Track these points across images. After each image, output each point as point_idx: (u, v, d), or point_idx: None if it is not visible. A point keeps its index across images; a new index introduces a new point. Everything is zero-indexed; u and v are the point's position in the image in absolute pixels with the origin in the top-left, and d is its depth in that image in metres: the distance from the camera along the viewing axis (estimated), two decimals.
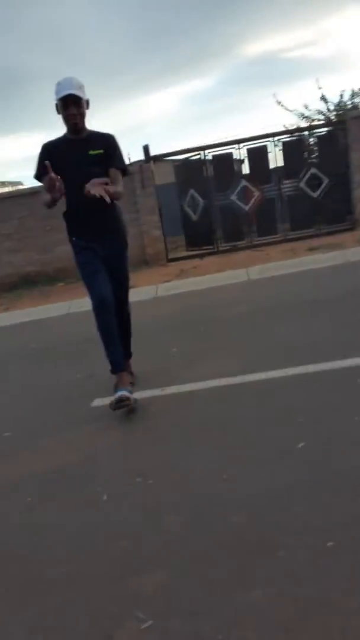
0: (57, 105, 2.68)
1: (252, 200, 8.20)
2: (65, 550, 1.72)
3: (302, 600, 1.32)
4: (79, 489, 2.10)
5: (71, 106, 2.64)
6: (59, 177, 2.48)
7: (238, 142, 8.09)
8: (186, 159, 8.54)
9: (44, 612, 1.46)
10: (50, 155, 2.67)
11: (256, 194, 8.18)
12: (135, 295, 6.45)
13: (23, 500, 2.09)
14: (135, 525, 1.78)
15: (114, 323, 2.79)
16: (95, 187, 2.52)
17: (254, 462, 2.03)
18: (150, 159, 8.26)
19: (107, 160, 2.75)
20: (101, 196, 2.50)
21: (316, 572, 1.40)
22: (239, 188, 8.21)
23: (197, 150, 8.25)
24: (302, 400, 2.49)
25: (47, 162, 2.51)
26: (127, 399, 2.63)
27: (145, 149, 8.25)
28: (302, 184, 8.10)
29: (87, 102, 2.70)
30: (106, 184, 2.58)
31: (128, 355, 3.10)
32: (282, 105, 11.41)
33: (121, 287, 2.95)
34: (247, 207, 8.25)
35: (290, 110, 11.33)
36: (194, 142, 8.66)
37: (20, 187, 14.03)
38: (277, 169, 8.28)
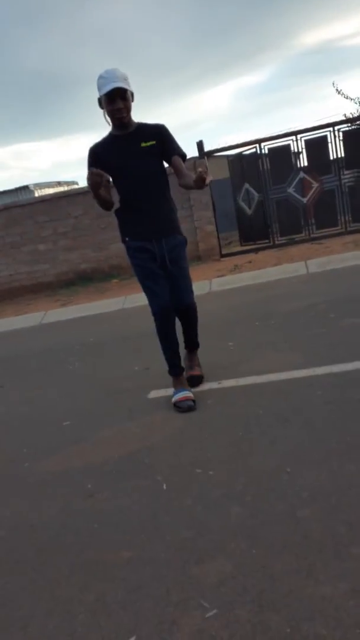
0: (100, 100, 2.50)
1: (311, 193, 7.99)
2: (127, 536, 1.71)
3: None
4: (138, 478, 2.09)
5: (117, 100, 2.45)
6: (98, 170, 2.31)
7: (295, 133, 7.90)
8: (241, 153, 8.44)
9: (106, 596, 1.46)
10: (99, 156, 2.57)
11: (315, 185, 7.96)
12: None
13: (83, 487, 2.11)
14: (198, 515, 1.74)
15: (173, 330, 2.76)
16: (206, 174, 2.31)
17: (319, 457, 1.95)
18: (204, 154, 8.22)
19: (166, 150, 2.61)
20: (204, 181, 2.29)
21: None
22: (296, 181, 8.02)
23: (253, 144, 8.13)
24: None
25: (94, 169, 2.33)
26: (193, 406, 2.67)
27: (199, 144, 8.22)
28: None
29: (132, 94, 2.52)
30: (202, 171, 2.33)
31: (194, 345, 3.01)
32: (341, 94, 11.02)
33: (184, 278, 2.76)
34: (305, 200, 8.04)
35: (351, 99, 10.91)
36: (249, 137, 8.54)
37: (75, 186, 14.39)
38: (337, 159, 8.02)
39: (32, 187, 15.58)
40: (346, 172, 7.95)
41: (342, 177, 7.95)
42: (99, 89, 2.45)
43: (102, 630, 1.34)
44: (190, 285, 2.79)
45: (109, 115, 2.52)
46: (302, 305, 4.40)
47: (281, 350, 3.34)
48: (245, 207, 8.48)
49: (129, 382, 3.36)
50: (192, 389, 2.79)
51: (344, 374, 2.70)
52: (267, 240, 8.32)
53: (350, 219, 8.02)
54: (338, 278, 5.38)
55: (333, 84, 18.96)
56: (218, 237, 8.44)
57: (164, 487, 1.96)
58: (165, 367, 2.84)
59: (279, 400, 2.54)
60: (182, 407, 2.67)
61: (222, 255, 8.38)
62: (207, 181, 2.30)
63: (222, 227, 8.92)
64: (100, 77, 2.44)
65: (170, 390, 2.83)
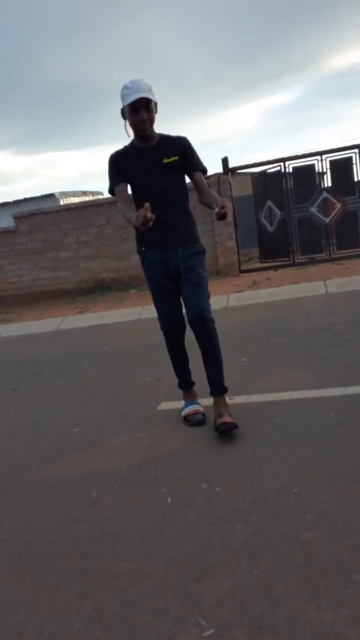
0: (123, 111, 2.43)
1: (333, 213, 7.97)
2: (128, 547, 1.70)
3: None
4: (143, 489, 2.08)
5: (141, 110, 2.37)
6: (154, 217, 2.17)
7: (320, 153, 7.91)
8: (265, 170, 8.47)
9: (103, 606, 1.44)
10: (121, 165, 2.53)
11: (338, 206, 7.93)
12: None
13: (88, 494, 2.10)
14: (201, 530, 1.72)
15: (182, 345, 2.73)
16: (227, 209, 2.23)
17: (326, 478, 1.91)
18: (228, 170, 8.28)
19: (188, 165, 2.55)
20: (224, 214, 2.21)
21: None
22: (319, 200, 8.01)
23: (277, 162, 8.16)
24: None
25: (147, 205, 2.16)
26: (202, 419, 2.65)
27: (224, 161, 8.28)
28: None
29: (156, 105, 2.45)
30: (222, 206, 2.22)
31: (221, 389, 2.59)
32: None
33: (201, 288, 2.54)
34: (327, 220, 8.02)
35: None
36: (274, 155, 8.58)
37: (100, 196, 14.57)
38: None
39: (57, 195, 15.83)
40: None
41: None
42: (123, 99, 2.39)
43: None
44: (207, 296, 2.57)
45: (132, 126, 2.44)
46: (319, 325, 4.36)
47: (295, 369, 3.31)
48: (267, 224, 8.49)
49: (140, 392, 3.36)
50: (221, 432, 2.42)
51: (358, 396, 2.66)
52: (287, 258, 8.30)
53: None
54: (357, 299, 5.33)
55: None
56: (238, 253, 8.45)
57: (169, 500, 1.95)
58: (177, 380, 2.83)
59: (290, 420, 2.51)
60: (191, 421, 2.65)
61: (241, 271, 8.38)
62: (229, 218, 2.23)
63: (243, 244, 8.93)
64: (125, 87, 2.38)
65: (181, 403, 2.82)
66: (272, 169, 8.34)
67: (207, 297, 2.57)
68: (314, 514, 1.70)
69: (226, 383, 2.60)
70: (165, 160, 2.50)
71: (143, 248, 2.62)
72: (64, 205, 11.11)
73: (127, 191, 2.55)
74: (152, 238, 2.55)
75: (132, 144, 2.55)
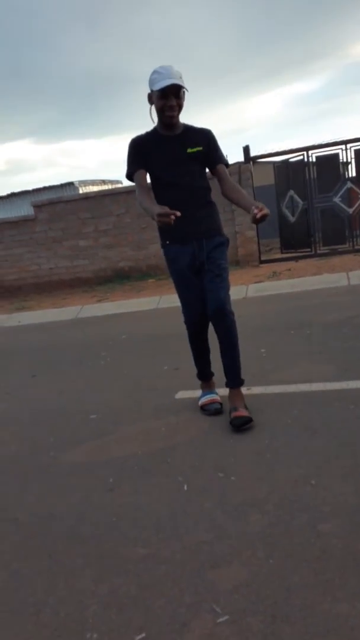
0: (150, 96, 2.39)
1: (357, 204, 7.82)
2: (144, 533, 1.71)
3: None
4: (159, 476, 2.09)
5: (171, 97, 2.33)
6: (178, 214, 2.10)
7: (345, 142, 7.75)
8: (287, 159, 8.35)
9: (119, 590, 1.46)
10: (142, 151, 2.46)
11: None
12: None
13: (105, 480, 2.12)
14: (217, 518, 1.72)
15: (205, 338, 2.71)
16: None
17: (345, 471, 1.89)
18: (249, 159, 8.18)
19: (211, 158, 2.51)
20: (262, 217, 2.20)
21: None
22: (343, 190, 7.87)
23: (300, 151, 8.03)
24: None
25: (177, 214, 2.08)
26: (219, 408, 2.64)
27: (246, 149, 8.17)
28: None
29: (184, 93, 2.40)
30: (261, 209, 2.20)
31: (238, 382, 2.57)
32: None
33: (222, 279, 2.50)
34: (351, 210, 7.88)
35: None
36: (297, 144, 8.46)
37: (119, 185, 14.57)
38: None
39: (77, 184, 15.87)
40: None
41: None
42: (153, 83, 2.34)
43: (113, 623, 1.34)
44: (227, 288, 2.53)
45: (159, 112, 2.39)
46: (340, 317, 4.30)
47: (315, 361, 3.27)
48: (289, 214, 8.37)
49: (157, 380, 3.37)
50: (236, 426, 2.40)
51: None
52: (308, 249, 8.19)
53: None
54: None
55: None
56: (258, 243, 8.37)
57: (185, 487, 1.95)
58: (195, 369, 2.82)
59: (309, 411, 2.48)
60: (209, 410, 2.65)
61: (262, 262, 8.30)
62: (264, 218, 2.21)
63: (264, 234, 8.83)
64: (155, 72, 2.33)
65: (198, 392, 2.81)
66: (294, 158, 8.21)
67: (227, 289, 2.53)
68: (331, 506, 1.69)
69: (244, 373, 2.58)
70: (189, 150, 2.44)
71: (167, 242, 2.57)
72: (83, 193, 11.15)
73: (146, 179, 2.48)
74: (177, 232, 2.47)
75: (155, 130, 2.50)
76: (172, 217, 2.07)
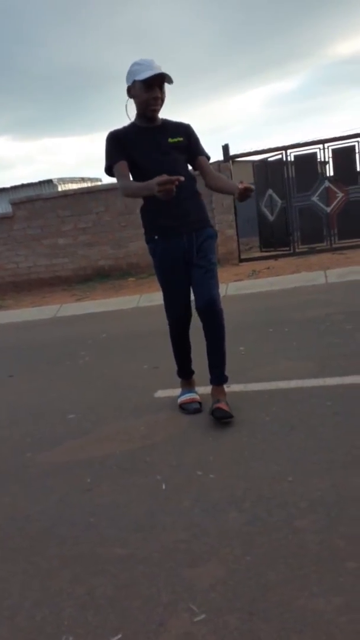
0: (129, 89, 2.33)
1: (335, 202, 7.91)
2: (122, 533, 1.70)
3: None
4: (138, 475, 2.07)
5: (156, 88, 2.28)
6: (181, 178, 2.05)
7: (322, 142, 7.83)
8: (266, 159, 8.40)
9: (95, 591, 1.44)
10: (122, 144, 2.39)
11: (339, 195, 7.88)
12: None
13: (82, 480, 2.10)
14: (195, 517, 1.72)
15: (187, 336, 2.66)
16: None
17: (322, 467, 1.91)
18: (229, 158, 8.20)
19: (193, 150, 2.49)
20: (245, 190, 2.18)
21: None
22: (321, 189, 7.95)
23: (279, 150, 8.08)
24: None
25: (181, 179, 2.04)
26: (198, 408, 2.61)
27: (225, 148, 8.19)
28: None
29: (165, 86, 2.37)
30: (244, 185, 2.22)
31: (222, 379, 2.56)
32: None
33: (211, 273, 2.47)
34: (328, 209, 7.96)
35: None
36: (276, 143, 8.52)
37: (99, 183, 14.47)
38: None
39: (55, 182, 15.71)
40: None
41: None
42: (135, 74, 2.27)
43: (89, 625, 1.32)
44: (217, 284, 2.51)
45: (141, 105, 2.33)
46: (318, 315, 4.34)
47: (293, 358, 3.29)
48: (268, 213, 8.43)
49: (137, 379, 3.35)
50: (217, 417, 2.41)
51: (355, 386, 2.65)
52: (287, 248, 8.26)
53: None
54: (357, 289, 5.30)
55: None
56: (238, 242, 8.40)
57: (163, 486, 1.94)
58: (175, 367, 2.81)
59: (287, 408, 2.50)
60: (188, 410, 2.63)
61: (241, 260, 8.34)
62: (249, 193, 2.20)
63: (244, 232, 8.88)
64: (136, 64, 2.28)
65: (178, 391, 2.81)
66: (273, 157, 8.27)
67: (218, 284, 2.51)
68: (308, 502, 1.70)
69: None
70: (170, 140, 2.40)
71: (156, 237, 2.47)
72: (62, 191, 11.03)
73: (127, 168, 2.39)
74: (166, 224, 2.43)
75: (134, 124, 2.45)
76: (176, 182, 2.02)
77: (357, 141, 7.75)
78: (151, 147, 2.39)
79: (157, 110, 2.37)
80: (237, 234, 8.35)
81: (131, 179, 2.40)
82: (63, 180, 15.90)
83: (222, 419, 2.39)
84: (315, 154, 7.98)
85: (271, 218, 8.42)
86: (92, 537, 1.70)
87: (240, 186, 2.19)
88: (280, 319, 4.41)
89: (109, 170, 2.43)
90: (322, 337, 3.66)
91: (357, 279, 5.76)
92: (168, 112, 2.58)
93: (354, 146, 7.79)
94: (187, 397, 2.69)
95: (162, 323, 2.77)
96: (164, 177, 2.02)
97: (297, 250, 8.19)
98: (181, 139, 2.43)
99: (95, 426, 2.68)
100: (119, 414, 2.80)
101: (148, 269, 8.33)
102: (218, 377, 2.55)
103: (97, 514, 1.83)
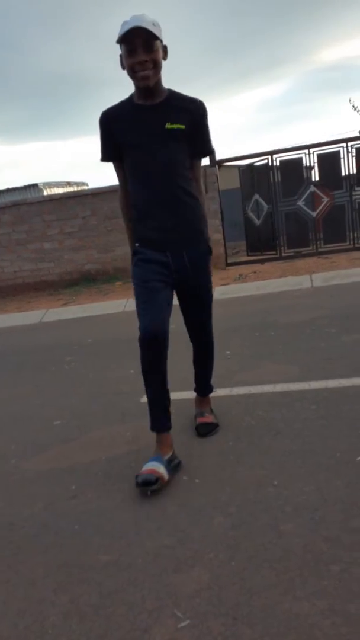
0: (121, 57, 1.86)
1: (321, 207, 7.98)
2: (106, 540, 1.69)
3: (355, 618, 1.21)
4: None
5: (139, 50, 1.77)
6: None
7: (308, 147, 7.90)
8: (252, 163, 8.45)
9: (79, 599, 1.43)
10: (111, 129, 1.98)
11: (325, 200, 7.95)
12: None
13: (67, 487, 2.08)
14: (180, 523, 1.72)
15: (161, 364, 2.02)
16: None
17: (307, 471, 1.92)
18: (215, 163, 8.24)
19: (193, 141, 1.97)
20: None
21: None
22: (306, 194, 8.02)
23: (265, 155, 8.14)
24: None
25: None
26: (152, 481, 1.89)
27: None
28: None
29: (165, 48, 1.87)
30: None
31: (206, 389, 2.46)
32: (358, 111, 11.08)
33: (203, 309, 2.22)
34: (314, 214, 8.04)
35: None
36: (262, 148, 8.57)
37: (85, 187, 14.45)
38: (349, 175, 8.01)
39: (41, 186, 15.65)
40: (357, 188, 7.94)
41: (353, 193, 7.93)
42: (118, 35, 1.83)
43: (73, 634, 1.31)
44: (210, 307, 2.23)
45: (129, 75, 1.87)
46: (303, 319, 4.37)
47: (278, 362, 3.31)
48: (254, 217, 8.48)
49: (123, 385, 3.34)
50: (201, 434, 2.34)
51: (340, 389, 2.67)
52: (274, 252, 8.30)
53: (358, 235, 8.00)
54: (342, 293, 5.35)
55: (349, 100, 19.18)
56: (225, 246, 8.44)
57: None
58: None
59: (272, 412, 2.51)
60: (137, 481, 1.91)
61: (228, 264, 8.36)
62: None
63: (231, 237, 8.92)
64: (123, 23, 1.81)
65: None
66: (259, 162, 8.32)
67: (210, 317, 2.26)
68: (292, 506, 1.71)
69: None
70: (168, 126, 1.91)
71: (136, 244, 2.08)
72: (47, 195, 10.98)
73: (123, 173, 2.06)
74: (149, 234, 2.03)
75: (130, 99, 1.98)
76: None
77: (342, 146, 7.83)
78: (143, 133, 1.93)
79: (150, 79, 1.84)
80: (224, 239, 8.38)
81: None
82: (49, 185, 15.85)
83: (206, 434, 2.33)
84: (300, 159, 8.04)
85: (258, 222, 8.47)
86: (77, 545, 1.69)
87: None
88: (266, 323, 4.43)
89: (106, 160, 2.09)
90: (307, 341, 3.68)
91: (342, 283, 5.81)
92: None
93: (338, 152, 7.88)
94: (148, 466, 1.95)
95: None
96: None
97: (283, 254, 8.24)
98: (182, 126, 1.92)
99: (80, 432, 2.66)
100: (105, 419, 2.79)
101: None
102: (203, 389, 2.46)
103: (82, 521, 1.82)
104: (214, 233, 8.29)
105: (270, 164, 8.16)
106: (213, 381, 2.58)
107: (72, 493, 2.03)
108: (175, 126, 1.92)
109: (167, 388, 2.08)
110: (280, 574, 1.40)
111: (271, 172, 8.19)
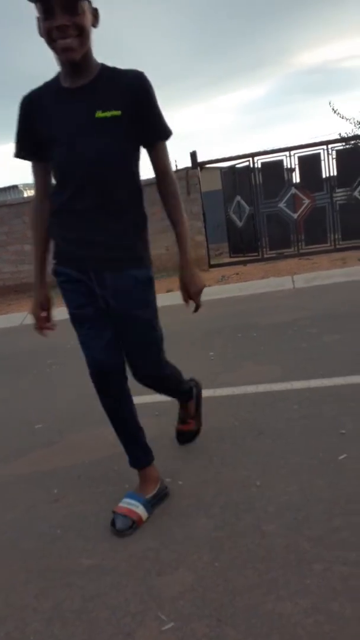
0: (38, 19, 1.42)
1: (302, 209, 8.06)
2: (89, 544, 1.67)
3: (339, 616, 1.22)
4: (106, 484, 2.05)
5: (57, 11, 1.36)
6: (55, 326, 1.77)
7: (289, 149, 7.98)
8: (234, 165, 8.50)
9: (63, 604, 1.41)
10: (33, 117, 1.56)
11: (306, 202, 8.03)
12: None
13: (49, 491, 2.06)
14: (163, 525, 1.71)
15: (125, 402, 1.78)
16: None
17: (290, 471, 1.93)
18: (197, 165, 8.26)
19: (141, 127, 1.53)
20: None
21: (356, 589, 1.29)
22: (288, 196, 8.09)
23: (246, 157, 8.19)
24: (345, 412, 2.36)
25: (44, 315, 1.77)
26: (127, 528, 1.68)
27: (193, 155, 8.25)
28: (356, 193, 7.90)
29: (96, 12, 1.47)
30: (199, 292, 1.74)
31: (180, 400, 2.16)
32: (338, 114, 11.24)
33: (143, 340, 1.70)
34: (295, 215, 8.11)
35: (347, 119, 11.16)
36: (244, 150, 8.63)
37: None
38: (329, 177, 8.11)
39: (21, 187, 15.52)
40: (338, 190, 8.04)
41: (333, 195, 8.03)
42: None
43: (55, 639, 1.30)
44: (157, 351, 1.75)
45: (49, 45, 1.43)
46: (285, 319, 4.40)
47: (261, 363, 3.33)
48: (236, 219, 8.52)
49: None
50: (180, 442, 2.26)
51: (321, 389, 2.69)
52: (256, 254, 8.36)
53: (339, 236, 8.10)
54: (323, 294, 5.40)
55: (329, 103, 19.44)
56: (207, 248, 8.46)
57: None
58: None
59: (255, 413, 2.52)
60: (113, 522, 1.72)
61: (211, 266, 8.39)
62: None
63: (214, 238, 8.95)
64: None
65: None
66: (240, 164, 8.37)
67: (158, 348, 1.75)
68: (275, 506, 1.71)
69: (193, 377, 2.54)
70: (99, 114, 1.48)
71: (54, 261, 1.69)
72: (27, 197, 10.88)
73: (43, 177, 1.66)
74: (67, 249, 1.64)
75: (56, 79, 1.55)
76: (43, 333, 1.74)
77: (323, 149, 7.93)
78: (67, 125, 1.51)
79: (75, 51, 1.41)
80: (207, 240, 8.41)
81: (49, 183, 1.66)
82: (29, 186, 15.70)
83: (185, 442, 2.23)
84: (281, 161, 8.12)
85: (240, 224, 8.51)
86: (59, 550, 1.67)
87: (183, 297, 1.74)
88: (248, 324, 4.45)
89: (21, 157, 1.65)
90: (289, 342, 3.71)
91: (323, 284, 5.87)
92: None
93: (319, 154, 7.97)
94: (125, 504, 1.75)
95: None
96: (37, 317, 1.78)
97: (265, 255, 8.31)
98: (118, 112, 1.48)
99: (62, 436, 2.64)
100: (86, 422, 2.77)
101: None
102: (179, 400, 2.15)
103: (63, 525, 1.80)
104: (197, 235, 8.32)
105: (251, 166, 8.21)
106: (187, 394, 2.49)
107: (53, 497, 2.01)
108: (108, 114, 1.48)
109: (136, 425, 1.82)
110: (263, 574, 1.40)
111: (252, 174, 8.24)
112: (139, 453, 1.85)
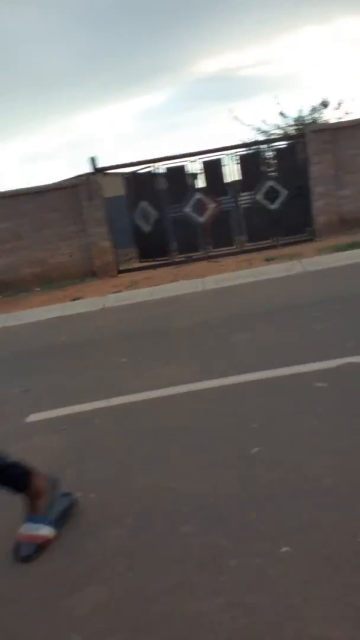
0: None
1: (207, 213, 8.23)
2: None
3: (254, 608, 1.21)
4: (11, 504, 1.90)
5: None
6: None
7: (191, 155, 8.12)
8: (135, 171, 8.50)
9: None
10: None
11: (211, 206, 8.21)
12: (80, 306, 6.28)
13: None
14: (75, 541, 1.62)
15: None
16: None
17: (204, 470, 1.91)
18: (97, 170, 8.16)
19: None
20: None
21: (270, 580, 1.30)
22: (193, 200, 8.22)
23: (148, 163, 8.23)
24: (256, 406, 2.40)
25: None
26: (32, 554, 1.57)
27: (92, 160, 8.14)
28: (258, 197, 8.21)
29: None
30: None
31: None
32: (238, 120, 11.67)
33: None
34: (201, 219, 8.26)
35: (247, 125, 11.63)
36: (148, 157, 8.63)
37: None
38: (233, 182, 8.36)
39: None
40: (242, 194, 8.31)
41: (238, 198, 8.29)
42: None
43: None
44: None
45: None
46: (195, 321, 4.44)
47: (173, 365, 3.32)
48: (143, 224, 8.51)
49: (7, 405, 3.13)
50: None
51: (232, 386, 2.72)
52: (165, 258, 8.41)
53: (245, 239, 8.38)
54: (231, 295, 5.54)
55: (230, 110, 20.15)
56: (115, 253, 8.37)
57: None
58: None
59: (170, 414, 2.49)
60: (16, 552, 1.60)
61: (120, 272, 8.31)
62: None
63: (123, 244, 8.87)
64: None
65: (52, 413, 2.64)
66: (143, 169, 8.39)
67: None
68: (190, 507, 1.69)
69: (104, 385, 2.45)
70: None
71: None
72: None
73: None
74: None
75: None
76: None
77: (225, 154, 8.16)
78: None
79: None
80: (114, 246, 8.32)
81: None
82: None
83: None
84: (184, 166, 8.25)
85: (147, 229, 8.52)
86: None
87: None
88: (160, 328, 4.44)
89: None
90: (200, 343, 3.74)
91: (231, 285, 6.03)
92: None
93: (220, 159, 8.20)
94: (26, 530, 1.65)
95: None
96: None
97: (174, 259, 8.38)
98: None
99: None
100: None
101: (14, 287, 7.96)
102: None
103: None
104: (102, 241, 8.21)
105: (154, 171, 8.26)
106: (106, 390, 2.46)
107: None
108: None
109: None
110: (179, 576, 1.37)
111: (155, 179, 8.29)
112: (15, 483, 1.71)
